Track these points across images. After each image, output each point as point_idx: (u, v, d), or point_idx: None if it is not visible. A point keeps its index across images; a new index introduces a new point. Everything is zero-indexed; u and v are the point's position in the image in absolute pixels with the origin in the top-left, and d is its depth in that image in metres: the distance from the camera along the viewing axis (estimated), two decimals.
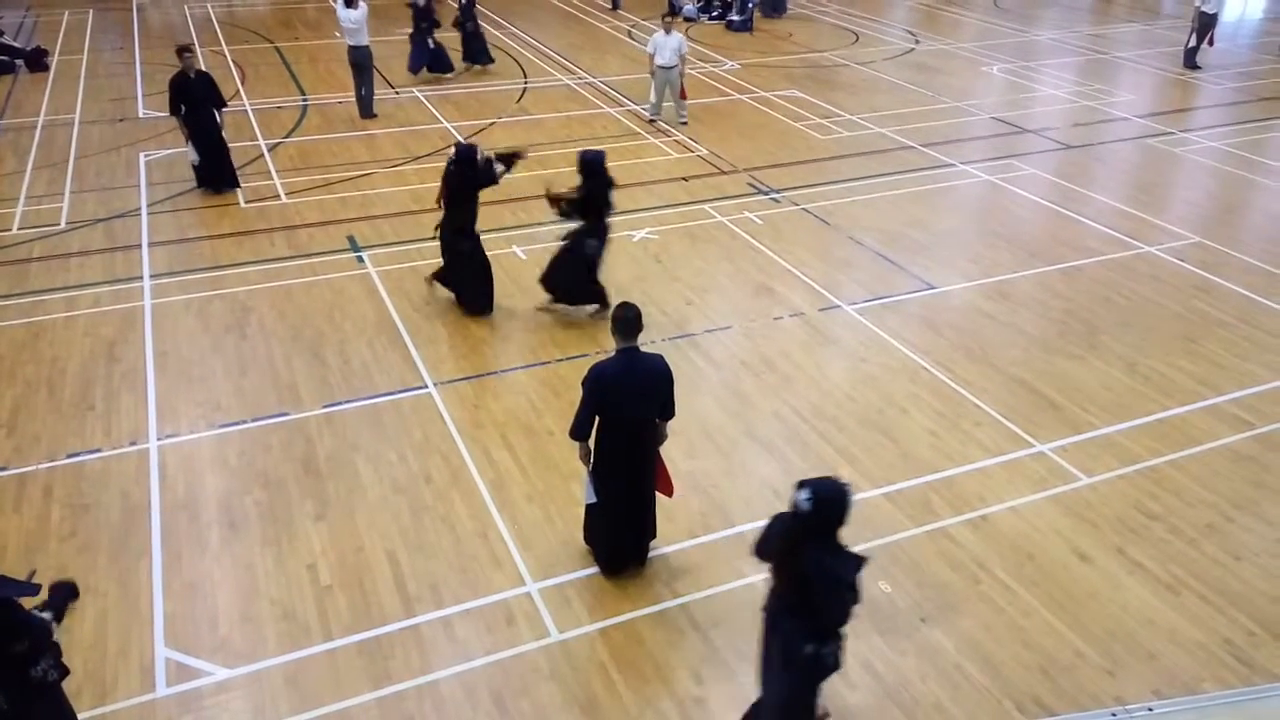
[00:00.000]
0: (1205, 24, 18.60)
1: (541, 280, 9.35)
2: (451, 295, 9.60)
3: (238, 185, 12.32)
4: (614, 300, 8.91)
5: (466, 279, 9.38)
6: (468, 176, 8.94)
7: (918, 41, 21.07)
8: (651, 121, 15.09)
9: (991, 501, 6.98)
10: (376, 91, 15.45)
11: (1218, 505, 6.98)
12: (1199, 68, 18.80)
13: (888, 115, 15.61)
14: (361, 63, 14.70)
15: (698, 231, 11.30)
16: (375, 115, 15.09)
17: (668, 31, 14.48)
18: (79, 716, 4.73)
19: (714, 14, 22.55)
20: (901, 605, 6.06)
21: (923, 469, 7.28)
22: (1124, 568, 6.39)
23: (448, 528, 6.65)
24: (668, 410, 6.02)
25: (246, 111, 15.33)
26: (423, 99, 16.16)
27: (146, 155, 13.38)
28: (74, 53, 18.81)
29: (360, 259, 10.46)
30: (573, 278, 9.21)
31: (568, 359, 8.67)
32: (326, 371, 8.43)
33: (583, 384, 5.81)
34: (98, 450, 7.41)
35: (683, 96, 15.01)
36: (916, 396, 8.21)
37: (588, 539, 6.39)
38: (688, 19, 22.17)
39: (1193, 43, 18.88)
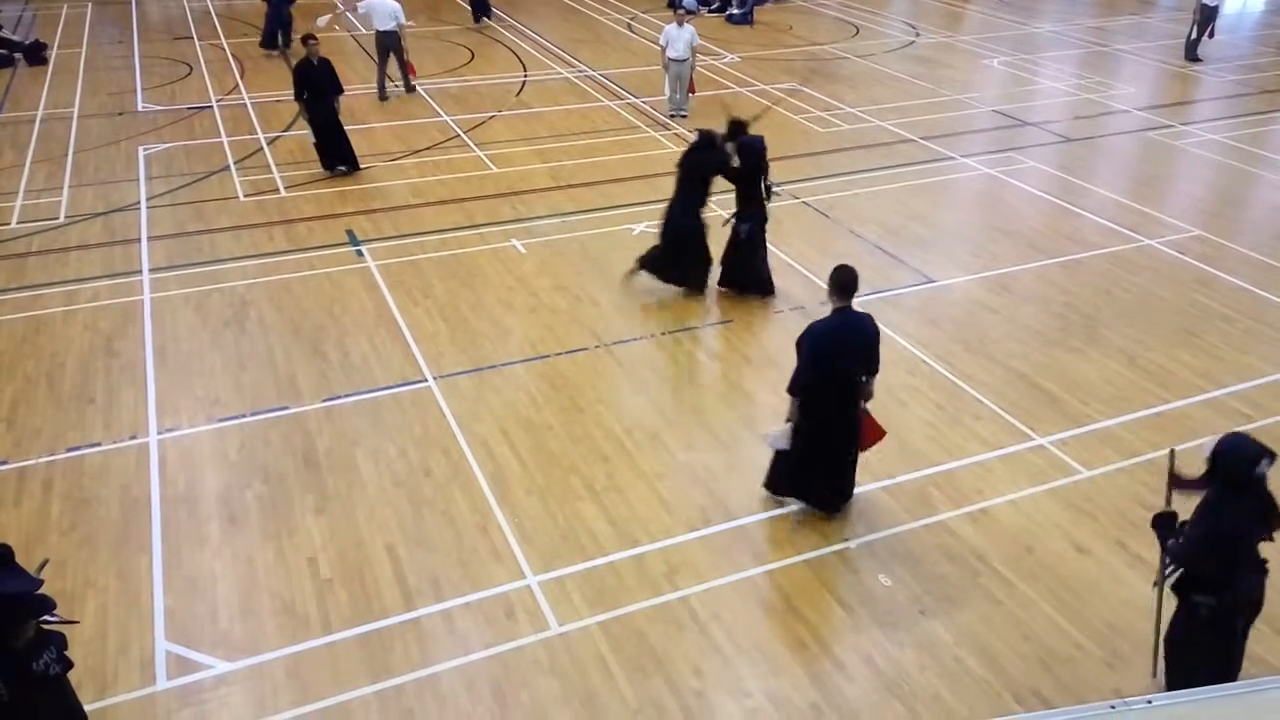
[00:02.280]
0: (1206, 16, 18.56)
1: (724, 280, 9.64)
2: (659, 281, 9.72)
3: (358, 168, 12.57)
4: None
5: (689, 258, 9.53)
6: (703, 161, 9.21)
7: (918, 34, 21.03)
8: (673, 117, 15.04)
9: (991, 495, 6.98)
10: (375, 85, 15.46)
11: None
12: (1200, 60, 18.76)
13: (888, 108, 15.58)
14: (389, 45, 15.41)
15: None
16: (386, 99, 15.60)
17: (680, 24, 14.48)
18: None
19: (714, 7, 22.51)
20: (901, 598, 6.07)
21: (922, 462, 7.28)
22: (1123, 561, 6.39)
23: (447, 521, 6.65)
24: (875, 366, 6.35)
25: (245, 105, 15.31)
26: (421, 92, 16.13)
27: (145, 149, 13.36)
28: (73, 46, 18.78)
29: (359, 253, 10.45)
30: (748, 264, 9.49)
31: (567, 353, 8.67)
32: (326, 365, 8.43)
33: (798, 344, 6.20)
34: (97, 444, 7.41)
35: (691, 90, 15.00)
36: (916, 390, 8.20)
37: (775, 487, 6.73)
38: (689, 12, 22.12)
39: (1194, 35, 18.84)
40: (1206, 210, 12.00)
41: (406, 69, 15.94)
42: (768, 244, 9.53)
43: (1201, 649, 5.07)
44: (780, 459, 6.62)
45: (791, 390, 6.29)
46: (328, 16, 17.51)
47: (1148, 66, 18.73)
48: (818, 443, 6.40)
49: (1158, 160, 13.77)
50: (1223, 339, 9.04)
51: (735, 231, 9.34)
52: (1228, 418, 7.87)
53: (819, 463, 6.50)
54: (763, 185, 9.18)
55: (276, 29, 18.26)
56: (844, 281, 6.17)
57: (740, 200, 9.29)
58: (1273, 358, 8.74)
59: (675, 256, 9.51)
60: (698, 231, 9.42)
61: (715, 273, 9.70)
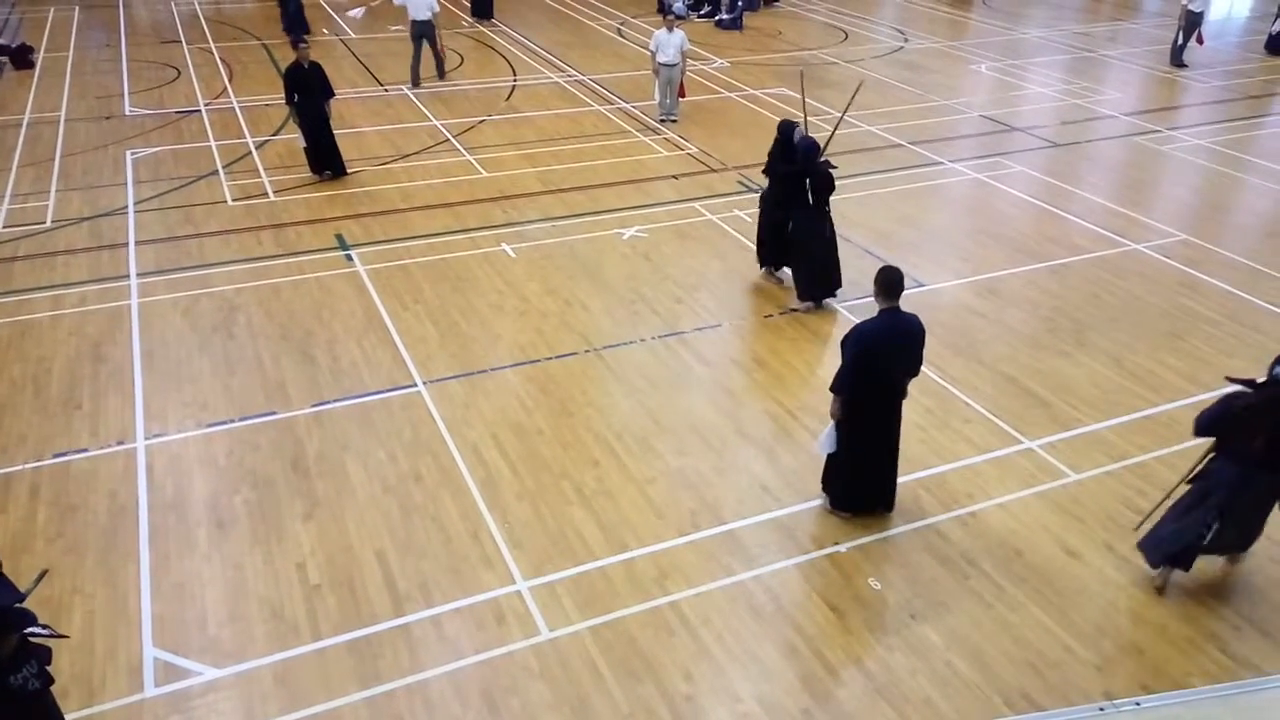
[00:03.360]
0: (1192, 22, 18.71)
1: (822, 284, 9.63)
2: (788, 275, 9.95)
3: (344, 172, 12.61)
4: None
5: (785, 247, 9.76)
6: (780, 154, 9.36)
7: (906, 39, 21.12)
8: (662, 121, 15.07)
9: (980, 498, 7.01)
10: (365, 89, 15.47)
11: None
12: (1186, 66, 18.90)
13: (877, 113, 15.64)
14: (424, 34, 16.38)
15: (688, 230, 11.30)
16: (419, 86, 16.64)
17: (670, 29, 14.53)
18: (66, 719, 4.71)
19: (703, 12, 22.57)
20: (891, 602, 6.08)
21: (912, 466, 7.29)
22: (1112, 563, 6.42)
23: (438, 527, 6.64)
24: (917, 368, 6.43)
25: (234, 109, 15.27)
26: (411, 97, 16.12)
27: (133, 153, 13.31)
28: (60, 50, 18.69)
29: (349, 257, 10.42)
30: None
31: (558, 357, 8.66)
32: (315, 370, 8.40)
33: (843, 344, 6.23)
34: (84, 450, 7.36)
35: (681, 95, 15.04)
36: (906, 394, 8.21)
37: (826, 486, 6.79)
38: (678, 17, 22.18)
39: (1180, 40, 18.98)
40: (1192, 215, 12.08)
41: (439, 56, 16.88)
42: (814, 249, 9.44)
43: (1180, 501, 6.02)
44: (834, 466, 6.65)
45: (834, 389, 6.33)
46: (360, 9, 18.12)
47: (1134, 72, 18.85)
48: (863, 445, 6.44)
49: (1144, 165, 13.86)
50: (1208, 342, 9.10)
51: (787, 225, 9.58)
52: None
53: (865, 465, 6.53)
54: (807, 188, 9.14)
55: (296, 15, 19.43)
56: (890, 282, 6.17)
57: (789, 202, 9.42)
58: (1257, 360, 8.79)
59: (775, 246, 9.79)
60: (779, 220, 9.60)
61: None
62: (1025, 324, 9.38)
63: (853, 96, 10.18)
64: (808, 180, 9.10)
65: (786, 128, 9.40)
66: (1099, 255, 10.87)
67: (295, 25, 19.43)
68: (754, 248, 10.30)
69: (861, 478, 6.62)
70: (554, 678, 5.50)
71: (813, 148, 9.06)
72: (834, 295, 9.62)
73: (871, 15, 23.71)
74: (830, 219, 9.36)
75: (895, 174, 13.14)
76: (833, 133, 9.78)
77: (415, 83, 16.63)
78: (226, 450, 7.37)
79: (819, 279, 9.51)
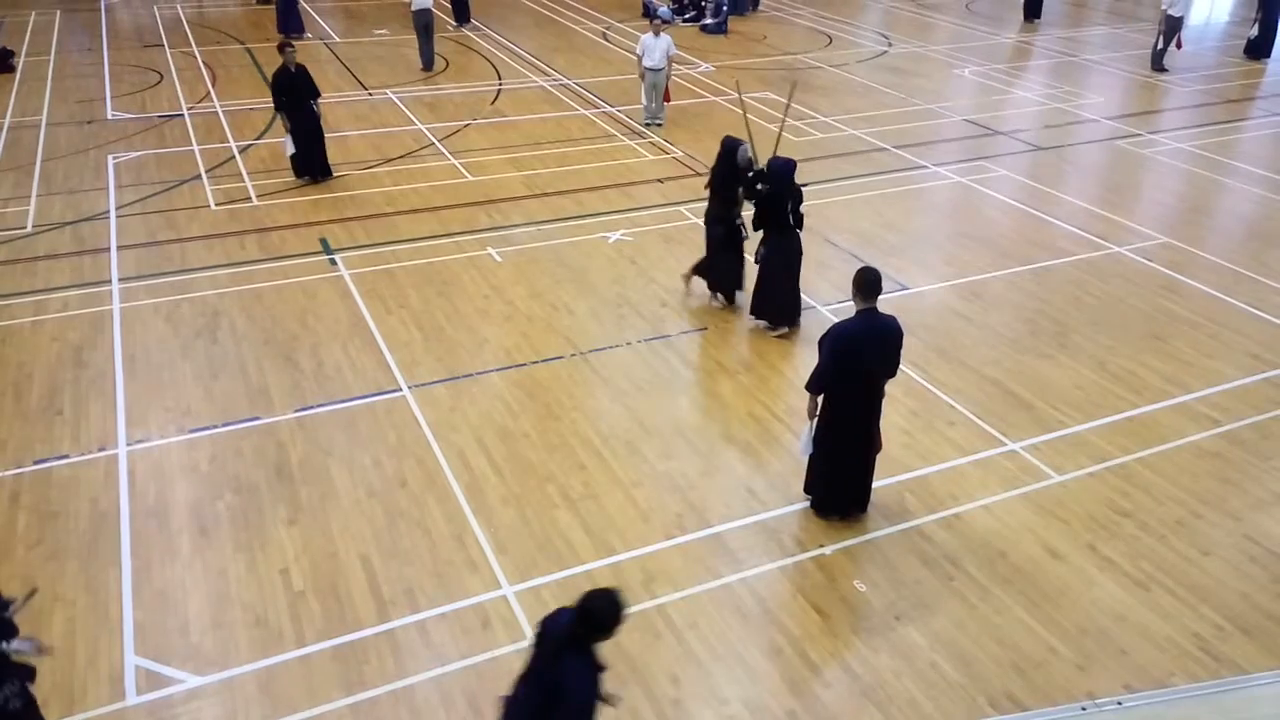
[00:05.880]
0: (1172, 27, 18.86)
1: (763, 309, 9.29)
2: (706, 288, 9.81)
3: (330, 175, 12.63)
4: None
5: (719, 263, 9.57)
6: (724, 169, 9.27)
7: (890, 44, 21.22)
8: (648, 125, 15.08)
9: (964, 500, 7.04)
10: (349, 93, 15.40)
11: (1186, 502, 7.07)
12: (1166, 70, 19.06)
13: (861, 117, 15.71)
14: (427, 22, 17.59)
15: (673, 233, 11.31)
16: (432, 70, 17.82)
17: (656, 34, 14.57)
18: None
19: (688, 16, 22.61)
20: (876, 604, 6.10)
21: (896, 468, 7.32)
22: (1095, 564, 6.46)
23: (423, 532, 6.61)
24: (894, 369, 6.48)
25: (217, 113, 15.19)
26: (396, 101, 16.09)
27: (115, 157, 13.22)
28: (41, 53, 18.56)
29: (333, 261, 10.38)
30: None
31: (543, 361, 8.65)
32: (299, 375, 8.36)
33: (820, 343, 6.30)
34: (65, 456, 7.30)
35: (666, 99, 15.06)
36: (890, 396, 8.16)
37: (808, 489, 6.81)
38: (664, 21, 22.21)
39: (1160, 45, 19.15)
40: (1173, 218, 12.18)
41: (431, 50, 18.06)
42: (790, 272, 9.10)
43: None
44: (814, 469, 6.70)
45: (809, 387, 6.37)
46: None
47: (1115, 76, 19.00)
48: (838, 445, 6.47)
49: (1126, 168, 13.96)
50: (1190, 344, 9.17)
51: (755, 256, 9.08)
52: (1196, 422, 7.99)
53: (839, 466, 6.57)
54: (789, 211, 8.76)
55: (288, 13, 19.84)
56: (867, 282, 6.23)
57: (762, 224, 8.95)
58: (1238, 363, 8.88)
59: (710, 259, 9.64)
60: (718, 236, 9.42)
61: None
62: (1008, 326, 9.43)
63: (788, 101, 10.03)
64: (788, 203, 8.73)
65: (730, 144, 9.13)
66: (1081, 258, 10.95)
67: (288, 24, 19.54)
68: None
69: (838, 478, 6.65)
70: None
71: (789, 168, 8.70)
72: (795, 324, 9.28)
73: (856, 20, 23.81)
74: (800, 242, 9.03)
75: (879, 178, 13.19)
76: (777, 141, 9.42)
77: (429, 66, 17.78)
78: (209, 456, 7.32)
79: (784, 306, 9.15)
